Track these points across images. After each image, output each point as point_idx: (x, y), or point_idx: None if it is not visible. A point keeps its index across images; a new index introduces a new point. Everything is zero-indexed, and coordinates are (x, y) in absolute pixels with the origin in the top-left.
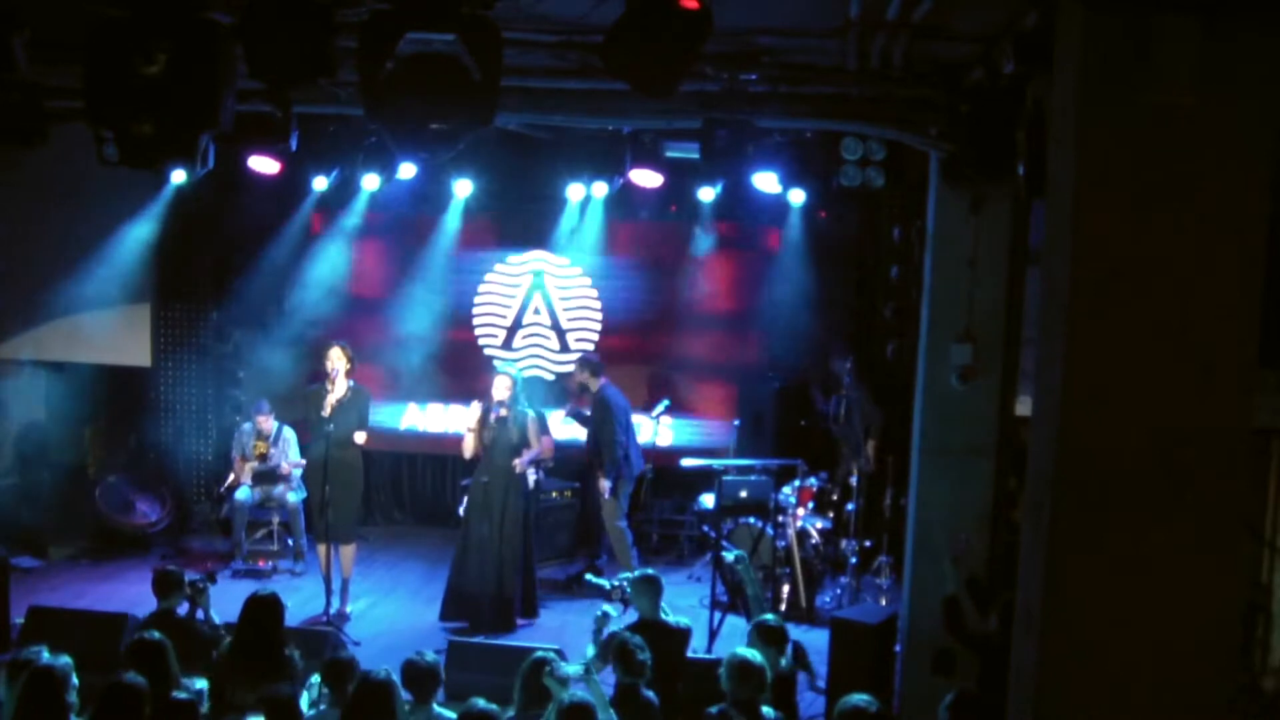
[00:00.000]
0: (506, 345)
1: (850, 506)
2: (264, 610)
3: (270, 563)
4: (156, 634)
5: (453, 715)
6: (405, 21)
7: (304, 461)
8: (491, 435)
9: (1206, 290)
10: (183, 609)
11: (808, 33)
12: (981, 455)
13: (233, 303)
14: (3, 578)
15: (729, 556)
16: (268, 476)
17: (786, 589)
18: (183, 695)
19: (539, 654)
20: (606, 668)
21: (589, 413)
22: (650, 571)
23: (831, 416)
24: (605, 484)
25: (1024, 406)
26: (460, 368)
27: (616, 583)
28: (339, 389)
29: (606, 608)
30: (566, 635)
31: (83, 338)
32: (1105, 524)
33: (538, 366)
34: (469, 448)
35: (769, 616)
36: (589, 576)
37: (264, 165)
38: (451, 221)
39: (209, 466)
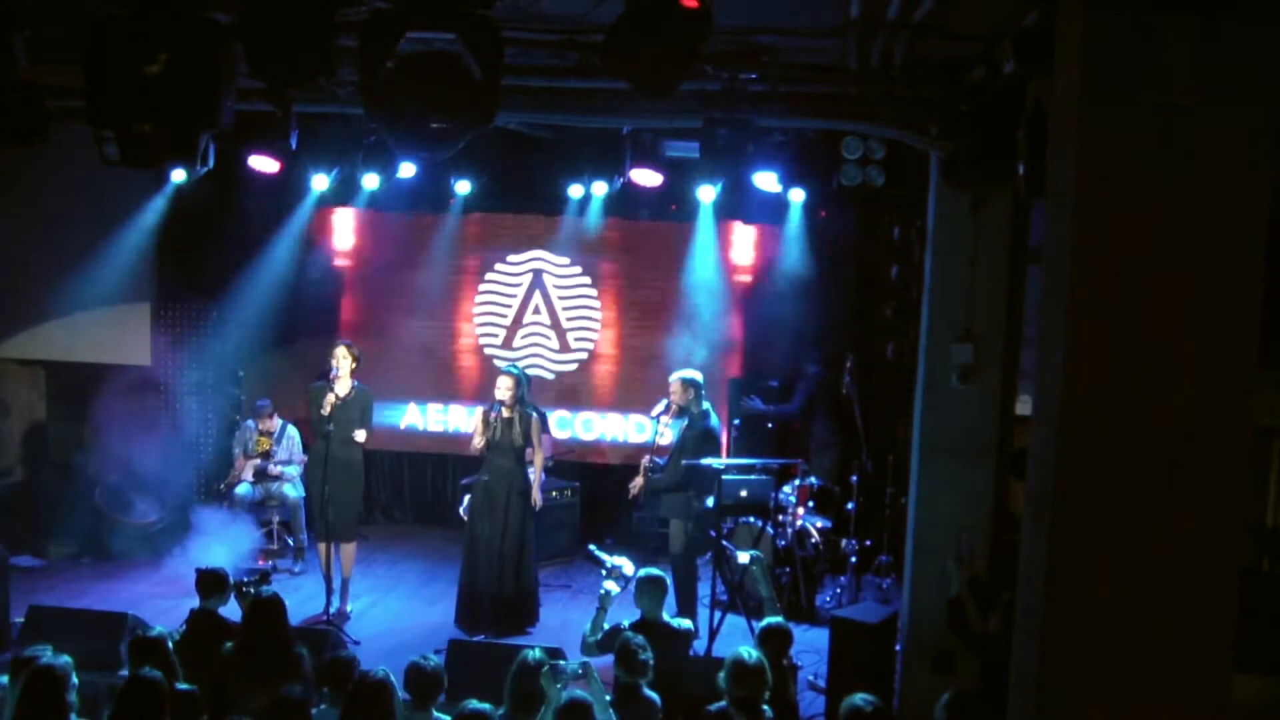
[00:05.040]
0: (506, 345)
1: (850, 506)
2: (268, 612)
3: (270, 561)
4: (155, 630)
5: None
6: (405, 21)
7: (291, 459)
8: (494, 435)
9: (1206, 290)
10: (225, 609)
11: (808, 32)
12: (981, 455)
13: (233, 302)
14: (3, 577)
15: (744, 558)
16: (269, 473)
17: (787, 589)
18: (184, 687)
19: (528, 655)
20: (608, 656)
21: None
22: (655, 571)
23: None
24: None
25: (1024, 406)
26: (460, 367)
27: (614, 565)
28: (342, 388)
29: (608, 584)
30: (566, 635)
31: (83, 337)
32: (1105, 524)
33: (538, 366)
34: (477, 446)
35: (778, 619)
36: (591, 547)
37: (264, 165)
38: (451, 221)
39: (209, 465)
